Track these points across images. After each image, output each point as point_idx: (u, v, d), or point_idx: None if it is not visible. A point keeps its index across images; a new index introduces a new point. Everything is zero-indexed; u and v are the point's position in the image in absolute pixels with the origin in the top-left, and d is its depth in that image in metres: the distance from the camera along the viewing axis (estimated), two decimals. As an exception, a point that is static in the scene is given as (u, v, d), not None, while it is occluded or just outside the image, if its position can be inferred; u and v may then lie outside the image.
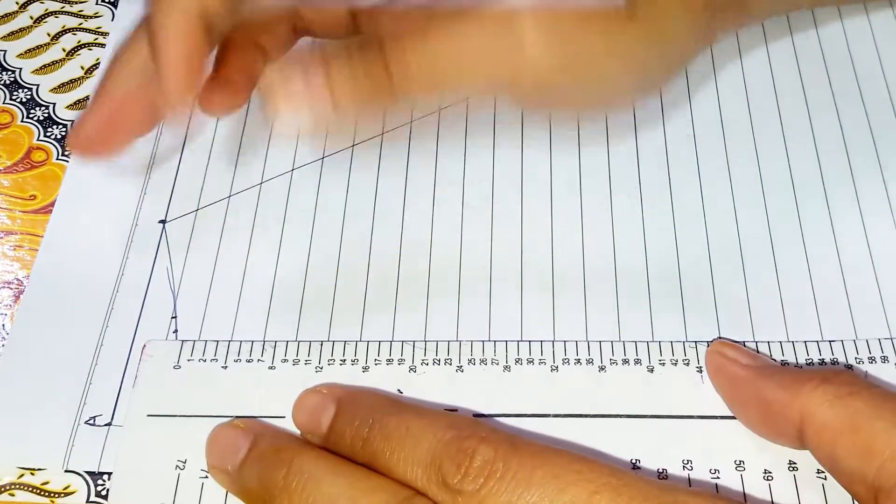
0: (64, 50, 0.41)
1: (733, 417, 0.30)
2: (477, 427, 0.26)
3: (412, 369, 0.31)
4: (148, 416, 0.31)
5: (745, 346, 0.31)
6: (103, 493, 0.30)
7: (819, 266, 0.34)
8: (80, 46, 0.41)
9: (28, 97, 0.40)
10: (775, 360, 0.31)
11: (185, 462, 0.30)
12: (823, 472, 0.28)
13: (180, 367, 0.32)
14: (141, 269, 0.35)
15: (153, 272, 0.35)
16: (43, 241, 0.35)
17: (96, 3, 0.43)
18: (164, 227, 0.36)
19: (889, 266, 0.34)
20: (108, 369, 0.32)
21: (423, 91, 0.28)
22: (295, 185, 0.37)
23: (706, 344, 0.31)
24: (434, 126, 0.38)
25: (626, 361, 0.31)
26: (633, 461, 0.29)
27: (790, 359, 0.31)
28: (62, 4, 0.42)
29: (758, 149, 0.37)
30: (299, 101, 0.28)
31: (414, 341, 0.32)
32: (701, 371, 0.31)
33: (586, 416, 0.30)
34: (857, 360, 0.31)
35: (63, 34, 0.42)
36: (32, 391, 0.32)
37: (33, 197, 0.37)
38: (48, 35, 0.42)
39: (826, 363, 0.31)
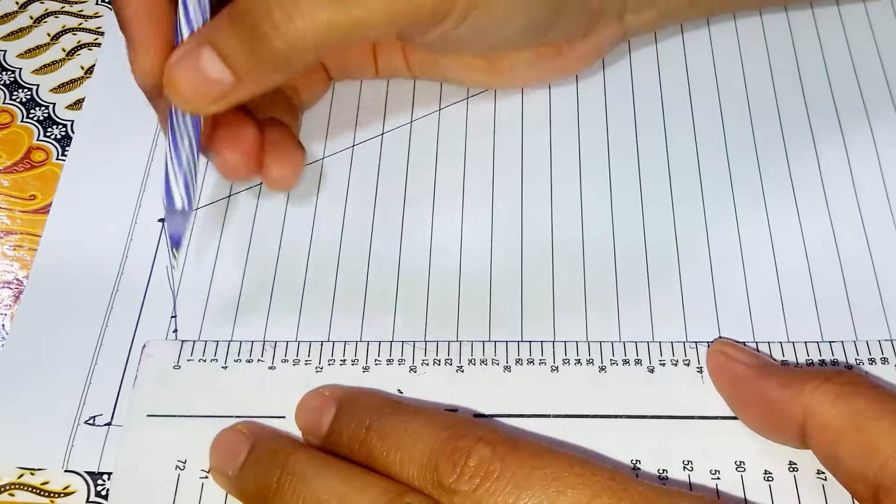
0: (64, 50, 0.41)
1: (734, 418, 0.30)
2: (474, 426, 0.26)
3: (412, 369, 0.31)
4: (148, 416, 0.31)
5: (745, 346, 0.31)
6: (103, 492, 0.30)
7: (819, 265, 0.34)
8: (80, 46, 0.41)
9: (28, 97, 0.40)
10: (776, 360, 0.31)
11: (185, 462, 0.30)
12: (824, 472, 0.28)
13: (180, 367, 0.32)
14: (141, 269, 0.35)
15: (153, 271, 0.35)
16: (42, 240, 0.35)
17: (96, 3, 0.43)
18: (163, 226, 0.36)
19: (889, 266, 0.34)
20: (108, 369, 0.32)
21: (316, 31, 0.28)
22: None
23: (707, 344, 0.31)
24: (434, 126, 0.38)
25: (626, 362, 0.31)
26: (634, 462, 0.29)
27: (790, 359, 0.31)
28: (62, 4, 0.42)
29: (757, 148, 0.37)
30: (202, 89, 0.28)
31: (414, 341, 0.32)
32: (701, 371, 0.31)
33: (587, 416, 0.30)
34: (857, 362, 0.31)
35: (63, 34, 0.42)
36: (32, 391, 0.32)
37: (33, 197, 0.37)
38: (48, 35, 0.42)
39: (826, 364, 0.31)
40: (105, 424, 0.31)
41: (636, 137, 0.37)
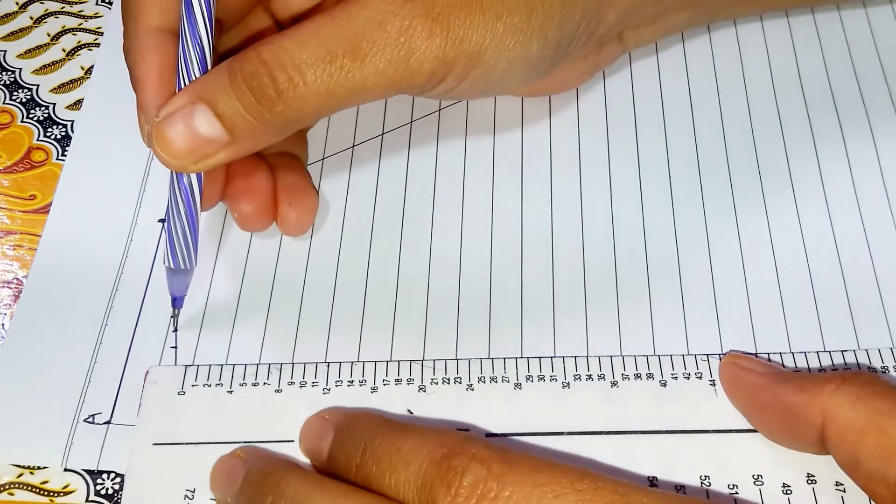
0: (64, 50, 0.41)
1: (750, 431, 0.29)
2: (468, 443, 0.25)
3: (421, 389, 0.31)
4: (154, 444, 0.30)
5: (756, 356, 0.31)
6: (102, 491, 0.30)
7: (819, 267, 0.34)
8: (80, 47, 0.41)
9: (28, 97, 0.40)
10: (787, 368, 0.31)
11: (193, 492, 0.29)
12: (842, 483, 0.28)
13: (185, 392, 0.31)
14: (140, 268, 0.35)
15: (152, 271, 0.34)
16: (41, 240, 0.35)
17: (96, 4, 0.43)
18: (163, 226, 0.36)
19: (889, 266, 0.34)
20: (107, 368, 0.32)
21: (318, 97, 0.28)
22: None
23: (718, 357, 0.31)
24: (434, 126, 0.38)
25: (637, 376, 0.31)
26: (650, 479, 0.29)
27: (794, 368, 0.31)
28: (62, 5, 0.42)
29: (757, 150, 0.37)
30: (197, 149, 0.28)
31: (422, 360, 0.32)
32: (714, 384, 0.30)
33: (600, 433, 0.30)
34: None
35: (63, 34, 0.42)
36: (31, 390, 0.32)
37: (33, 197, 0.37)
38: (48, 35, 0.42)
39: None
40: (104, 423, 0.31)
41: (636, 138, 0.37)
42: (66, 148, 0.38)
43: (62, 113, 0.39)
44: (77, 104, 0.39)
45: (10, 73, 0.40)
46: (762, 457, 0.29)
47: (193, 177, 0.30)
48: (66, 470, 0.30)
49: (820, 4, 0.41)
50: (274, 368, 0.31)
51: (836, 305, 0.33)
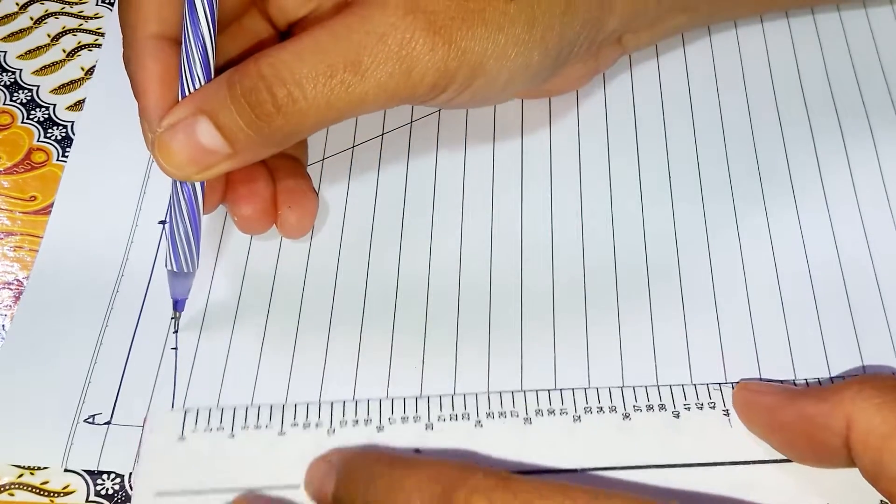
0: (64, 51, 0.41)
1: (767, 462, 0.29)
2: (466, 474, 0.24)
3: (429, 427, 0.30)
4: (157, 494, 0.29)
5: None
6: (102, 492, 0.30)
7: (820, 268, 0.34)
8: (80, 47, 0.41)
9: (28, 98, 0.40)
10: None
11: None
12: None
13: (185, 438, 0.30)
14: (141, 270, 0.35)
15: (153, 273, 0.35)
16: (43, 241, 0.35)
17: (96, 4, 0.43)
18: (163, 227, 0.36)
19: (889, 266, 0.34)
20: (108, 368, 0.32)
21: (318, 111, 0.28)
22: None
23: (731, 385, 0.30)
24: (434, 127, 0.38)
25: (650, 408, 0.30)
26: None
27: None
28: (62, 5, 0.42)
29: (758, 152, 0.37)
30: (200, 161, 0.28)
31: (429, 396, 0.31)
32: (728, 414, 0.30)
33: (613, 468, 0.29)
34: None
35: (63, 35, 0.42)
36: (32, 390, 0.32)
37: (33, 198, 0.37)
38: (48, 36, 0.42)
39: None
40: (104, 423, 0.31)
41: (636, 139, 0.37)
42: (67, 149, 0.38)
43: (62, 114, 0.39)
44: (77, 105, 0.39)
45: (10, 73, 0.40)
46: (781, 489, 0.28)
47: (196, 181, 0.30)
48: (66, 470, 0.30)
49: (820, 4, 0.41)
50: (276, 410, 0.30)
51: (836, 305, 0.33)
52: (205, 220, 0.35)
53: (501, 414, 0.30)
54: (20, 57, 0.41)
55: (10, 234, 0.36)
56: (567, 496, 0.23)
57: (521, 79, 0.31)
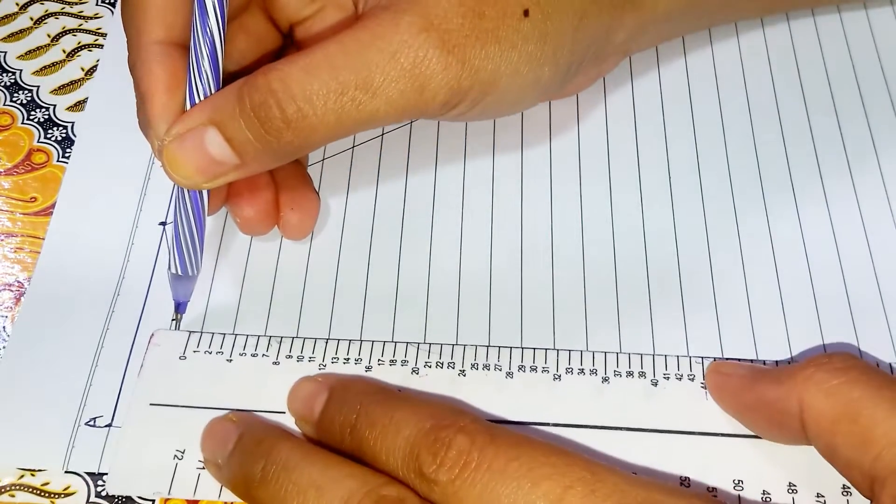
0: (64, 51, 0.41)
1: (735, 436, 0.29)
2: (457, 416, 0.26)
3: (415, 371, 0.31)
4: (151, 404, 0.31)
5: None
6: (103, 493, 0.30)
7: (819, 267, 0.34)
8: (81, 48, 0.41)
9: (28, 99, 0.40)
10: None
11: (183, 452, 0.30)
12: (822, 496, 0.28)
13: (186, 357, 0.32)
14: (141, 272, 0.35)
15: (153, 274, 0.35)
16: (44, 243, 0.35)
17: (96, 4, 0.43)
18: (164, 229, 0.36)
19: (889, 266, 0.34)
20: (109, 371, 0.32)
21: (327, 127, 0.28)
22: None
23: (711, 359, 0.31)
24: (434, 127, 0.38)
25: (630, 374, 0.31)
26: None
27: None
28: (62, 5, 0.42)
29: (758, 152, 0.37)
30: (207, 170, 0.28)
31: (418, 343, 0.32)
32: (705, 387, 0.31)
33: (588, 426, 0.30)
34: None
35: (63, 35, 0.42)
36: (33, 393, 0.32)
37: (34, 199, 0.37)
38: (48, 36, 0.42)
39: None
40: (105, 426, 0.31)
41: (636, 138, 0.37)
42: (67, 150, 0.38)
43: (62, 114, 0.39)
44: (77, 105, 0.39)
45: (10, 74, 0.40)
46: (746, 462, 0.29)
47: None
48: (67, 472, 0.31)
49: (820, 6, 0.40)
50: (273, 341, 0.32)
51: (836, 305, 0.33)
52: (209, 220, 0.35)
53: (485, 366, 0.31)
54: (20, 57, 0.41)
55: (10, 235, 0.36)
56: (537, 448, 0.25)
57: (532, 94, 0.31)
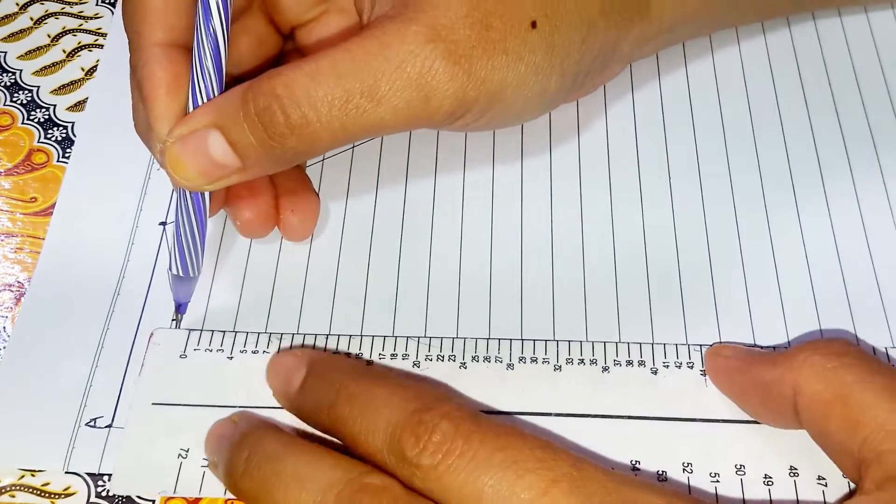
0: (64, 51, 0.41)
1: (737, 422, 0.30)
2: (442, 401, 0.26)
3: (416, 364, 0.32)
4: (153, 404, 0.31)
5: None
6: (103, 494, 0.30)
7: (818, 266, 0.34)
8: (81, 48, 0.41)
9: (28, 99, 0.40)
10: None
11: (187, 451, 0.30)
12: (824, 478, 0.28)
13: (186, 356, 0.32)
14: (141, 273, 0.35)
15: (154, 275, 0.35)
16: (44, 243, 0.35)
17: (96, 4, 0.43)
18: (164, 229, 0.36)
19: (889, 266, 0.34)
20: (109, 371, 0.32)
21: (331, 133, 0.28)
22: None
23: (709, 346, 0.32)
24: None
25: (629, 363, 0.31)
26: (633, 462, 0.29)
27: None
28: (62, 6, 0.42)
29: (758, 152, 0.37)
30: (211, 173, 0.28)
31: (419, 337, 0.32)
32: (705, 374, 0.31)
33: (589, 416, 0.30)
34: None
35: (63, 35, 0.42)
36: (33, 393, 0.32)
37: (34, 199, 0.37)
38: (48, 36, 0.42)
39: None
40: (106, 426, 0.31)
41: (636, 138, 0.37)
42: (67, 150, 0.38)
43: (62, 114, 0.39)
44: (77, 105, 0.39)
45: (10, 74, 0.40)
46: (747, 448, 0.29)
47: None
48: (67, 472, 0.31)
49: (821, 8, 0.41)
50: (274, 338, 0.32)
51: (836, 305, 0.33)
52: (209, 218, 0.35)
53: (486, 358, 0.32)
54: (20, 57, 0.41)
55: (10, 235, 0.36)
56: (523, 440, 0.25)
57: (538, 105, 0.31)
